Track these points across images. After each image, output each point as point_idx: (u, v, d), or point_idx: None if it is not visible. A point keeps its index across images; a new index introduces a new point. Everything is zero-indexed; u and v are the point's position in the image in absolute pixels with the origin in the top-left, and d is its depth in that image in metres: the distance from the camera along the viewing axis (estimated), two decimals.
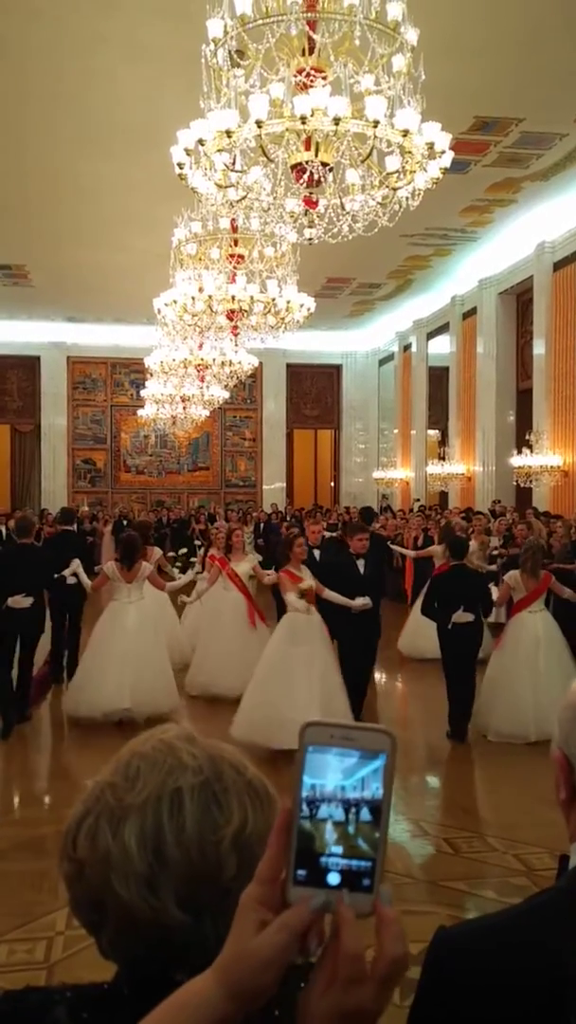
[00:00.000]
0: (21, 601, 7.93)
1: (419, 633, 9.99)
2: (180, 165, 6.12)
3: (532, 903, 1.12)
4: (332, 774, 0.72)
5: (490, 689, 7.97)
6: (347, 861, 0.72)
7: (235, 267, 10.15)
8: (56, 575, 9.00)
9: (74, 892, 1.03)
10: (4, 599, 7.90)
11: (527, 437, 16.34)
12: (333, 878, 0.72)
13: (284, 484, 26.48)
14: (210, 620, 9.52)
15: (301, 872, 0.72)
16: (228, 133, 5.51)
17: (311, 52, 5.56)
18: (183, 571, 10.43)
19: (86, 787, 1.06)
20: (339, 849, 0.72)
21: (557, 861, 1.17)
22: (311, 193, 6.09)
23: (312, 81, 5.48)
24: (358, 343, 26.14)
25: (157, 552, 10.26)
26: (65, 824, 1.04)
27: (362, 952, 0.70)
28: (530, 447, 15.98)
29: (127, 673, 8.06)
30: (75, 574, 9.27)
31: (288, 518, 20.64)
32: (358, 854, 0.72)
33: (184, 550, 12.68)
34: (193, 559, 11.03)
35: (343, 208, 6.25)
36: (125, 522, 17.62)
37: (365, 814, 0.72)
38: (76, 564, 9.28)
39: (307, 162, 5.74)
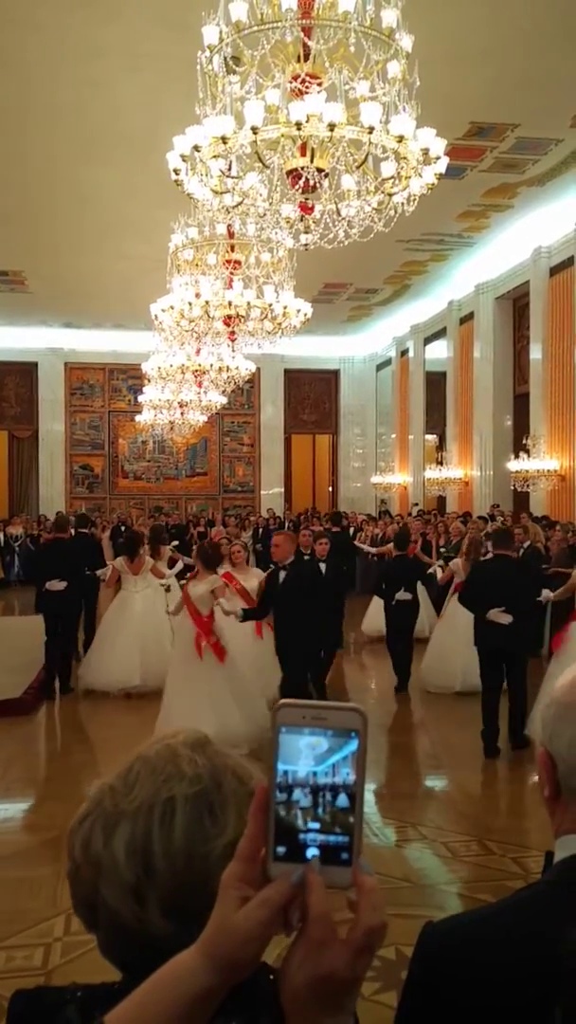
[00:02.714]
0: (56, 584, 9.48)
1: (380, 616, 11.01)
2: (176, 171, 6.14)
3: (518, 897, 1.13)
4: (304, 760, 0.73)
5: (432, 655, 9.72)
6: (325, 837, 0.73)
7: (232, 273, 10.16)
8: (87, 572, 10.45)
9: (74, 889, 1.04)
10: (43, 583, 9.57)
11: (524, 441, 16.38)
12: (312, 853, 0.73)
13: (282, 489, 26.49)
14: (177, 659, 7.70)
15: (280, 848, 0.73)
16: (224, 139, 5.53)
17: (306, 58, 5.58)
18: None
19: (90, 789, 1.06)
20: (316, 825, 0.74)
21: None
22: (307, 199, 6.10)
23: (307, 87, 5.50)
24: (356, 348, 26.16)
25: (167, 551, 11.45)
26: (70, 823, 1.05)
27: (328, 913, 0.71)
28: (527, 451, 16.02)
29: (136, 653, 9.30)
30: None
31: (287, 524, 20.61)
32: (335, 831, 0.74)
33: (175, 543, 14.36)
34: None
35: (339, 214, 6.26)
36: (123, 527, 17.65)
37: (339, 799, 0.74)
38: (103, 570, 10.68)
39: (303, 168, 5.76)
